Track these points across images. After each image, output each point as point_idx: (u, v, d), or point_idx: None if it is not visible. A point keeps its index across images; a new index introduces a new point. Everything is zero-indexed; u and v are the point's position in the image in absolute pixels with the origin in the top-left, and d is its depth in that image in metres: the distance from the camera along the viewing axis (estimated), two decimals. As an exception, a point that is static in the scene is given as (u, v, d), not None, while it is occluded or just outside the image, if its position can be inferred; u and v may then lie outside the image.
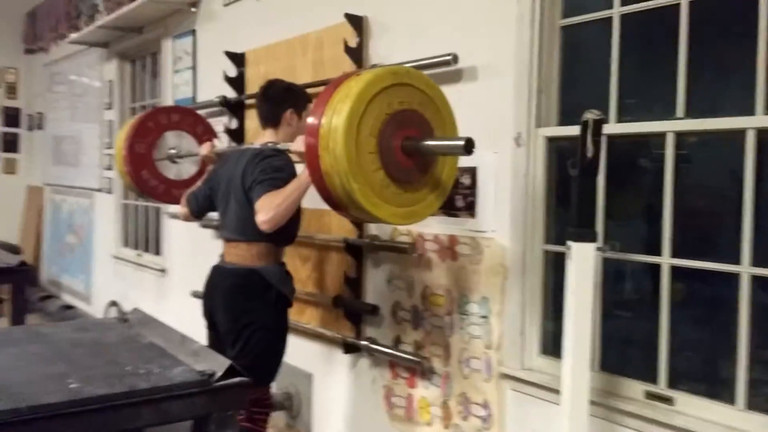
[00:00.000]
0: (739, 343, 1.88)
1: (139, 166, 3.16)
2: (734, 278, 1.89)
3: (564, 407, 1.79)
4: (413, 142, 1.99)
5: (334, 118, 1.88)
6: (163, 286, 4.79)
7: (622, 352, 2.25)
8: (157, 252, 4.97)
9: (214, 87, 4.03)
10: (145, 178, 3.19)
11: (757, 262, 1.86)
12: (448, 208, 2.65)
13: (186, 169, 3.30)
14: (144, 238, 5.28)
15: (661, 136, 2.07)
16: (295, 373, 3.43)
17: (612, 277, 2.24)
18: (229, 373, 1.29)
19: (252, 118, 3.74)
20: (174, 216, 4.09)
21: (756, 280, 1.87)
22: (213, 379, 1.25)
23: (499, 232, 2.48)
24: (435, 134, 2.07)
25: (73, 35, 5.51)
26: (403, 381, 2.86)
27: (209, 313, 2.70)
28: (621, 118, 2.21)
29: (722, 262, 1.93)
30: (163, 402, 1.20)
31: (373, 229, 3.02)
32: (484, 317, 2.52)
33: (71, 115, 6.41)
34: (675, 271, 2.04)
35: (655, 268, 2.08)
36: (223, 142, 3.49)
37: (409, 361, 2.78)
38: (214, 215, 2.92)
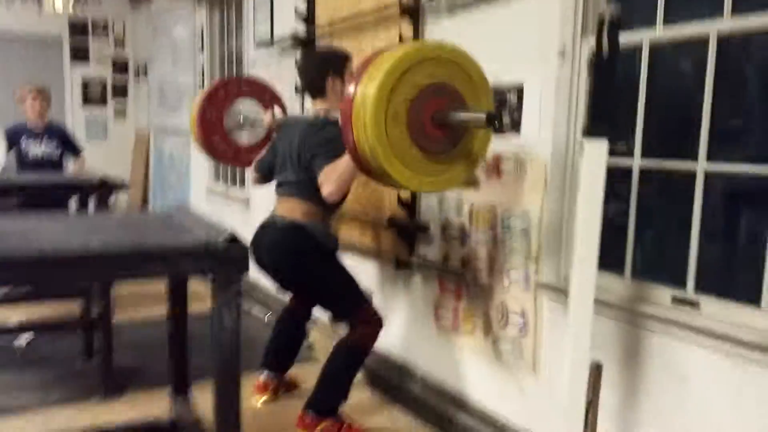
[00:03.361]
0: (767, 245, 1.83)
1: (210, 131, 3.39)
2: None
3: (570, 307, 1.82)
4: (441, 113, 2.08)
5: (367, 89, 2.00)
6: (247, 215, 5.10)
7: (653, 259, 2.22)
8: (243, 184, 5.30)
9: (289, 25, 4.19)
10: (215, 144, 3.42)
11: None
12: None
13: (255, 134, 3.50)
14: (232, 172, 5.63)
15: (704, 42, 2.00)
16: (357, 292, 3.62)
17: (647, 185, 2.21)
18: (232, 240, 1.44)
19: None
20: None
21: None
22: (215, 243, 1.41)
23: (541, 147, 2.49)
24: (468, 106, 2.14)
25: (167, -18, 5.85)
26: (450, 295, 2.96)
27: (262, 268, 2.95)
28: (667, 22, 2.14)
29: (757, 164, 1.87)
30: (171, 258, 1.38)
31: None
32: (524, 230, 2.56)
33: (172, 62, 6.84)
34: (708, 177, 1.99)
35: (689, 176, 2.03)
36: (289, 105, 3.62)
37: (455, 276, 2.88)
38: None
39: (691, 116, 2.03)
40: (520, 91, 2.58)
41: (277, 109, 3.24)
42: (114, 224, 1.68)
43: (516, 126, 2.60)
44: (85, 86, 7.79)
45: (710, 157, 1.99)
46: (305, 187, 2.78)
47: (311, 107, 2.96)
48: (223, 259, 1.40)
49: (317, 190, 2.72)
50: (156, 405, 2.64)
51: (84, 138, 7.75)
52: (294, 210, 2.83)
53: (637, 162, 2.20)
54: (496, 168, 2.68)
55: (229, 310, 1.43)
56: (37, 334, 3.93)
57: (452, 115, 2.06)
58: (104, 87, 7.91)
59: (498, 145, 2.67)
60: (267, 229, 2.89)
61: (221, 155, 3.42)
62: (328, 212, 2.90)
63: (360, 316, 2.83)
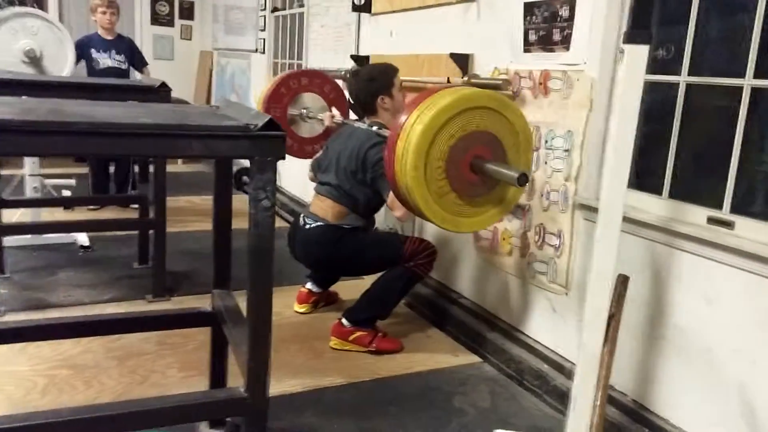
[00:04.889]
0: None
1: None
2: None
3: (600, 215, 1.83)
4: (479, 162, 2.14)
5: (416, 122, 2.06)
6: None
7: (692, 180, 2.19)
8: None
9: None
10: None
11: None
12: (545, 44, 2.65)
13: (315, 128, 3.59)
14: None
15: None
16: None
17: (691, 103, 2.16)
18: (270, 126, 1.52)
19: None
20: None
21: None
22: (254, 127, 1.49)
23: (590, 63, 2.45)
24: (507, 158, 2.19)
25: None
26: (491, 215, 3.00)
27: (299, 261, 3.09)
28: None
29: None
30: (210, 139, 1.48)
31: (475, 69, 3.08)
32: (566, 151, 2.55)
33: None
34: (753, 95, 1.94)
35: (735, 91, 1.98)
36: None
37: (497, 196, 2.90)
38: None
39: (743, 33, 1.96)
40: (572, 5, 2.52)
41: (335, 111, 3.31)
42: (164, 111, 1.79)
43: (565, 42, 2.56)
44: (154, 5, 7.94)
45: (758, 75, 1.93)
46: (344, 193, 2.90)
47: (366, 119, 3.01)
48: (259, 142, 1.49)
49: (355, 199, 2.89)
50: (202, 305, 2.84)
51: (151, 57, 7.95)
52: (326, 211, 2.93)
53: (683, 79, 2.15)
54: (543, 86, 2.66)
55: (266, 191, 1.52)
56: (96, 240, 4.17)
57: (488, 166, 2.13)
58: (172, 7, 8.04)
59: (546, 61, 2.64)
60: (298, 227, 3.01)
61: (287, 150, 3.56)
62: (362, 218, 2.97)
63: (405, 255, 2.88)
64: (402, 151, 2.08)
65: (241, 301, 2.07)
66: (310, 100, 3.56)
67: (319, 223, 2.92)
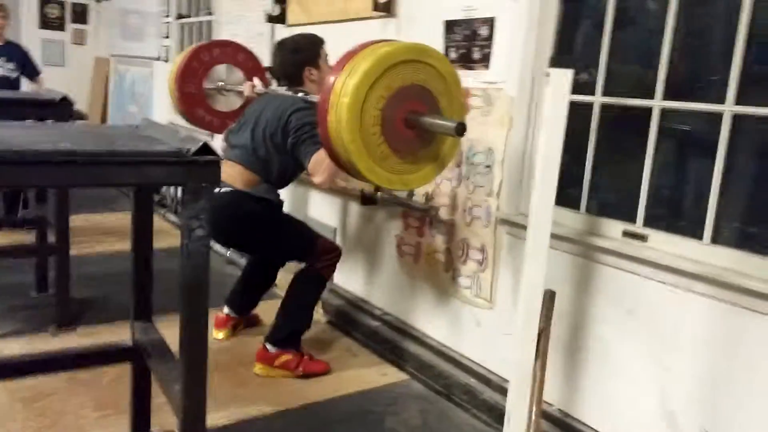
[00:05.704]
0: (713, 181, 1.93)
1: (193, 105, 3.32)
2: (717, 118, 1.92)
3: (528, 240, 1.88)
4: (414, 116, 2.11)
5: (346, 82, 2.00)
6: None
7: (608, 195, 2.31)
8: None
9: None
10: (200, 116, 3.37)
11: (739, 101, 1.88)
12: (465, 61, 2.70)
13: (235, 101, 3.42)
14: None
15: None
16: (321, 227, 3.65)
17: (606, 122, 2.28)
18: (205, 151, 1.45)
19: (294, 3, 3.84)
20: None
21: (737, 119, 1.90)
22: (188, 152, 1.42)
23: (509, 83, 2.52)
24: (441, 110, 2.16)
25: None
26: (414, 231, 3.02)
27: None
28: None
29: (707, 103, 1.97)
30: (143, 165, 1.39)
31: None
32: (488, 167, 2.61)
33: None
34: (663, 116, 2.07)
35: (645, 112, 2.11)
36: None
37: (420, 212, 2.93)
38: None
39: (653, 56, 2.09)
40: (491, 25, 2.59)
41: (257, 81, 3.20)
42: (80, 132, 1.67)
43: (485, 60, 2.62)
44: (42, 6, 7.45)
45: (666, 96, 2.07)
46: (257, 159, 2.76)
47: (289, 86, 2.90)
48: (194, 168, 1.42)
49: (269, 166, 2.76)
50: (115, 336, 2.58)
51: (40, 63, 7.46)
52: (235, 178, 2.76)
53: (598, 99, 2.26)
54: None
55: (199, 220, 1.45)
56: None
57: (424, 120, 2.10)
58: (63, 9, 7.57)
59: (467, 79, 2.69)
60: None
61: (208, 126, 3.40)
62: (273, 186, 2.85)
63: (316, 250, 2.84)
64: (335, 125, 2.03)
65: (161, 328, 1.97)
66: (226, 71, 3.41)
67: (227, 189, 2.74)
